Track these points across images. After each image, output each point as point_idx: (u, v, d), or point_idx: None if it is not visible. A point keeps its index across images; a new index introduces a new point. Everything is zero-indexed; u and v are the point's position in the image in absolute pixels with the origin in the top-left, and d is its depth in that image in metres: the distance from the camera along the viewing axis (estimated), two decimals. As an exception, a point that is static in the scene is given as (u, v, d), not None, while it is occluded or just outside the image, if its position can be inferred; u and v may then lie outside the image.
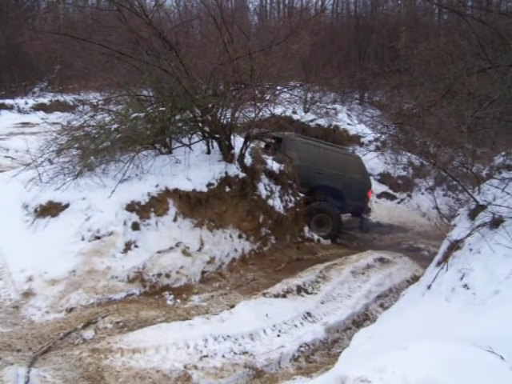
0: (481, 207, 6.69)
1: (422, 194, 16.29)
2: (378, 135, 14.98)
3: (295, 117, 17.43)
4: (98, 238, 7.92)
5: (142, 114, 9.30)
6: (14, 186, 9.18)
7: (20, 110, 20.55)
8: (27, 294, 7.15)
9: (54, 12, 29.54)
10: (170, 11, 13.12)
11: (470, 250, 6.02)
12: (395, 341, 4.73)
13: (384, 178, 16.97)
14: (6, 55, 22.47)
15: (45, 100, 21.56)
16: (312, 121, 18.22)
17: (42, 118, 13.61)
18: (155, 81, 9.49)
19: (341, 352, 5.84)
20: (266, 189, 10.27)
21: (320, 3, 31.45)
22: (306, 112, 18.26)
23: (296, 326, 7.26)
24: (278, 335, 6.90)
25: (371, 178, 15.93)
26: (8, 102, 20.69)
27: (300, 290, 8.41)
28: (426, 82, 9.14)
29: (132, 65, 9.50)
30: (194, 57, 9.88)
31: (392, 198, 16.48)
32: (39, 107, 20.60)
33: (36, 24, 25.99)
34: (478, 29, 8.09)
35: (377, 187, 16.13)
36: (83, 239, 7.90)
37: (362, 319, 7.93)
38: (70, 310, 7.01)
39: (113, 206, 8.26)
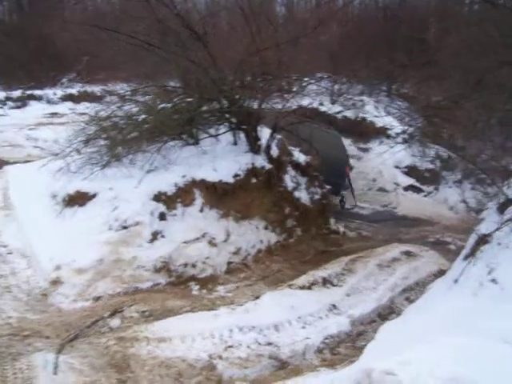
0: (510, 201, 6.59)
1: (450, 187, 16.07)
2: (406, 127, 14.84)
3: (322, 108, 17.34)
4: (125, 227, 7.99)
5: (169, 105, 9.34)
6: (43, 175, 9.34)
7: (49, 101, 20.70)
8: (55, 282, 7.25)
9: (82, 3, 29.81)
10: (198, 1, 13.10)
11: (499, 244, 5.93)
12: (421, 335, 4.70)
13: (411, 171, 16.76)
14: (35, 47, 22.64)
15: (73, 90, 21.70)
16: (339, 113, 18.09)
17: (70, 109, 13.79)
18: (182, 72, 9.50)
19: (366, 345, 5.80)
20: (292, 180, 10.23)
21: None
22: (332, 104, 18.15)
23: (321, 317, 7.26)
24: (303, 327, 6.91)
25: (398, 170, 15.84)
26: (37, 92, 20.86)
27: (325, 282, 8.39)
28: (455, 74, 9.01)
29: (159, 56, 9.50)
30: (221, 47, 9.85)
31: (419, 191, 16.28)
32: (67, 98, 20.73)
33: (65, 16, 26.15)
34: (511, 18, 7.94)
35: (403, 180, 15.96)
36: (110, 229, 7.98)
37: (387, 312, 7.87)
38: (97, 298, 7.10)
39: (140, 196, 8.33)
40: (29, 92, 20.57)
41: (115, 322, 6.50)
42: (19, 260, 7.81)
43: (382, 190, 15.59)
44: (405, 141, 16.09)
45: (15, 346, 5.73)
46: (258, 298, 7.47)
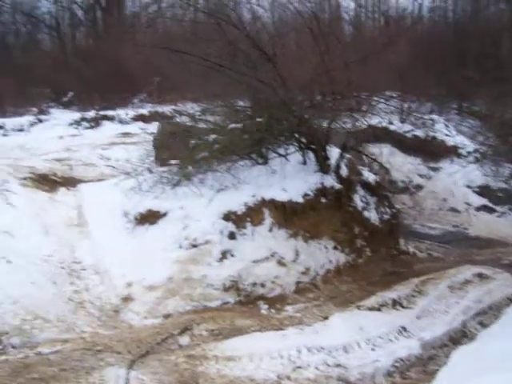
0: None
1: (525, 207, 15.62)
2: (478, 146, 14.55)
3: (391, 127, 17.16)
4: (195, 246, 8.08)
5: (239, 125, 9.43)
6: (116, 194, 9.57)
7: (121, 121, 21.23)
8: (127, 299, 7.40)
9: (153, 27, 30.57)
10: (267, 23, 13.24)
11: None
12: (497, 362, 4.53)
13: (483, 191, 16.35)
14: (109, 69, 23.35)
15: (144, 111, 22.17)
16: (408, 131, 17.86)
17: (141, 128, 14.07)
18: (252, 92, 9.59)
19: (437, 370, 5.63)
20: (361, 200, 10.13)
21: (416, 11, 30.92)
22: (402, 122, 17.93)
23: (391, 340, 7.08)
24: (373, 349, 6.76)
25: (469, 190, 15.49)
26: (110, 113, 21.44)
27: (395, 303, 8.21)
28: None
29: (229, 76, 9.62)
30: (290, 67, 9.90)
31: (492, 211, 15.86)
32: (139, 118, 21.19)
33: (137, 39, 26.90)
34: None
35: (475, 200, 15.60)
36: (180, 247, 8.10)
37: (459, 336, 7.60)
38: (167, 316, 7.18)
39: (210, 215, 8.42)
40: (102, 113, 21.17)
41: (185, 339, 6.53)
42: (92, 276, 8.01)
43: (453, 210, 15.27)
44: (477, 160, 15.75)
45: (88, 361, 5.84)
46: (326, 318, 7.37)
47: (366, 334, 6.99)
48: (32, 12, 33.42)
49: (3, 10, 32.48)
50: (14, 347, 6.06)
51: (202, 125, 10.16)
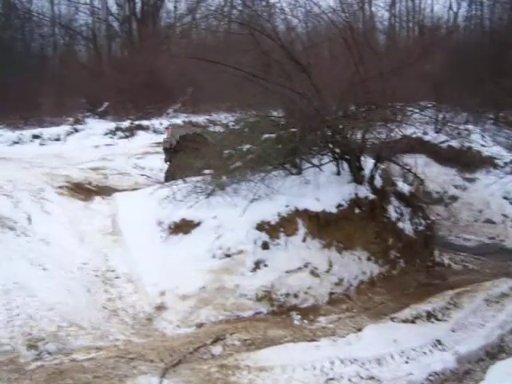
0: None
1: None
2: (516, 157, 14.31)
3: (426, 138, 16.98)
4: (228, 256, 8.09)
5: (272, 135, 9.44)
6: (150, 203, 9.66)
7: (155, 131, 21.49)
8: (160, 308, 7.44)
9: (187, 37, 30.90)
10: (300, 33, 13.27)
11: None
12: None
13: (522, 203, 16.11)
14: (144, 80, 23.66)
15: (178, 120, 22.37)
16: (443, 142, 17.66)
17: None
18: (286, 102, 9.60)
19: (473, 385, 5.56)
20: (395, 211, 10.04)
21: (452, 20, 30.68)
22: (437, 133, 17.73)
23: (425, 353, 6.97)
24: (406, 362, 6.67)
25: (506, 201, 15.20)
26: (144, 123, 21.72)
27: (429, 316, 8.10)
28: None
29: (263, 86, 9.64)
30: (324, 78, 9.89)
31: (530, 223, 15.61)
32: (173, 127, 21.42)
33: (171, 50, 27.22)
34: None
35: (512, 211, 15.36)
36: (214, 257, 8.12)
37: (496, 351, 7.44)
38: (200, 325, 7.20)
39: (243, 225, 8.42)
40: (137, 122, 21.48)
41: (217, 349, 6.53)
42: (126, 284, 8.07)
43: (488, 221, 15.02)
44: (514, 171, 15.49)
45: (121, 368, 5.88)
46: (360, 330, 7.31)
47: (400, 346, 6.91)
48: (70, 24, 34.20)
49: (42, 23, 33.25)
50: (49, 353, 6.13)
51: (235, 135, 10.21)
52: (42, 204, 10.11)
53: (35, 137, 19.86)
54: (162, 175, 13.38)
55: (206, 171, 9.92)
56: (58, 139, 20.14)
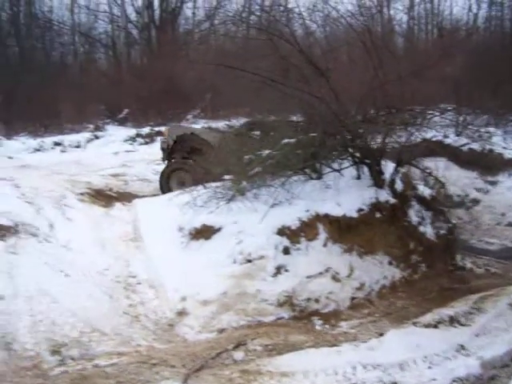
0: None
1: None
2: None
3: (447, 141, 16.85)
4: (249, 261, 8.10)
5: (292, 140, 9.44)
6: (171, 208, 9.70)
7: (175, 137, 21.58)
8: (181, 313, 7.46)
9: (206, 43, 31.06)
10: (319, 37, 13.27)
11: None
12: None
13: (544, 205, 15.92)
14: (163, 86, 23.81)
15: (198, 126, 22.48)
16: (464, 145, 17.51)
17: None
18: (305, 107, 9.60)
19: (499, 391, 5.49)
20: (416, 215, 9.97)
21: (471, 22, 30.45)
22: (457, 136, 17.59)
23: (448, 358, 6.87)
24: (429, 367, 6.58)
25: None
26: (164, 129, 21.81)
27: (452, 320, 7.99)
28: None
29: (282, 91, 9.65)
30: (342, 81, 9.87)
31: (553, 226, 15.42)
32: (193, 133, 21.50)
33: (190, 56, 27.37)
34: None
35: (534, 215, 15.18)
36: (235, 262, 8.13)
37: (521, 356, 7.39)
38: (221, 330, 7.20)
39: (264, 230, 8.43)
40: (156, 129, 21.55)
41: (239, 354, 6.52)
42: (147, 290, 8.10)
43: (511, 224, 14.87)
44: (537, 173, 15.33)
45: (144, 374, 5.90)
46: (382, 335, 7.24)
47: (423, 351, 6.83)
48: (89, 33, 34.60)
49: (63, 32, 33.71)
50: (72, 359, 6.18)
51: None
52: (64, 210, 10.20)
53: (56, 144, 20.06)
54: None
55: (226, 176, 9.96)
56: (78, 146, 20.33)
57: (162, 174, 12.82)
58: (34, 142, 19.67)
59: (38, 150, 19.26)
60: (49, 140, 20.08)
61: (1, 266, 7.64)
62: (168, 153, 13.42)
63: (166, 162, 13.47)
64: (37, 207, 9.87)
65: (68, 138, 20.64)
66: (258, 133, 12.60)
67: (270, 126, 10.63)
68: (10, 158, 17.32)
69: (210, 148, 12.88)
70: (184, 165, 12.82)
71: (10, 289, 7.22)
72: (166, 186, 12.68)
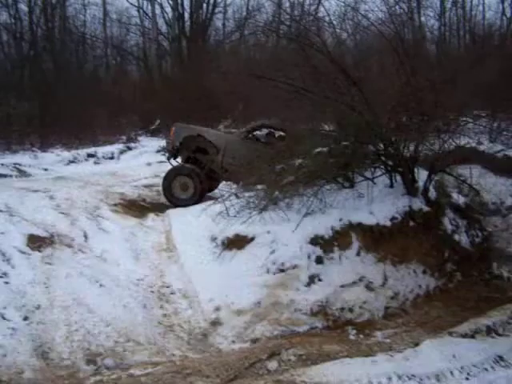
0: None
1: None
2: None
3: (481, 148, 16.65)
4: (283, 270, 8.11)
5: (324, 149, 9.43)
6: (203, 219, 9.75)
7: (207, 147, 21.69)
8: (215, 323, 7.48)
9: (236, 54, 31.23)
10: (349, 46, 13.30)
11: None
12: None
13: None
14: (194, 97, 23.97)
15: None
16: (499, 151, 17.27)
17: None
18: (337, 115, 9.58)
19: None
20: (451, 223, 9.85)
21: (505, 26, 30.08)
22: (492, 142, 17.37)
23: (486, 369, 6.74)
24: (467, 378, 6.47)
25: None
26: (197, 138, 21.95)
27: (490, 330, 7.86)
28: None
29: (313, 101, 9.65)
30: (374, 90, 9.83)
31: None
32: (224, 144, 21.60)
33: (221, 66, 27.53)
34: None
35: None
36: (268, 272, 8.14)
37: None
38: (255, 340, 7.18)
39: (297, 239, 8.43)
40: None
41: (273, 364, 6.50)
42: (181, 300, 8.14)
43: (549, 233, 14.60)
44: None
45: (178, 384, 5.94)
46: (417, 345, 7.13)
47: (460, 362, 6.71)
48: (121, 45, 35.11)
49: (96, 46, 34.35)
50: (107, 368, 6.24)
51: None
52: (98, 221, 10.33)
53: (90, 156, 20.34)
54: (215, 191, 13.47)
55: (259, 186, 9.98)
56: (111, 157, 20.58)
57: (165, 178, 12.84)
58: (68, 154, 19.97)
59: (73, 162, 19.54)
60: (83, 152, 20.38)
61: (37, 277, 7.78)
62: (173, 154, 13.50)
63: (172, 161, 13.59)
64: (71, 218, 10.01)
65: (101, 150, 20.91)
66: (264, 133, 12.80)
67: (301, 135, 10.61)
68: (46, 169, 17.63)
69: (216, 150, 13.00)
70: (187, 170, 12.82)
71: (46, 299, 7.34)
72: (168, 190, 12.68)
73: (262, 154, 10.64)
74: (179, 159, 13.65)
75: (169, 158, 13.68)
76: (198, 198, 12.64)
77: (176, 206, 12.44)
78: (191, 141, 13.17)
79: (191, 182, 12.64)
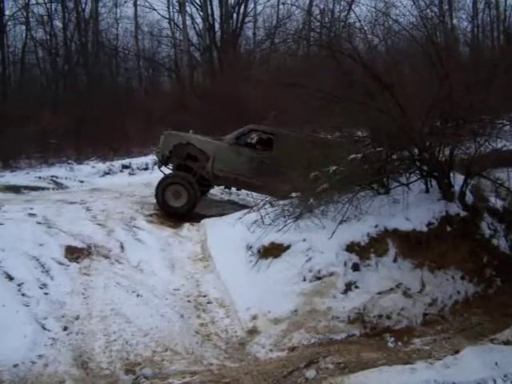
0: None
1: None
2: None
3: (518, 151, 16.39)
4: (319, 278, 8.09)
5: (359, 155, 9.38)
6: (239, 227, 9.78)
7: (240, 156, 21.73)
8: (252, 332, 7.50)
9: (267, 62, 31.31)
10: (381, 51, 13.19)
11: None
12: None
13: None
14: (225, 106, 24.04)
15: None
16: (535, 153, 16.97)
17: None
18: (371, 121, 9.53)
19: None
20: (489, 227, 9.70)
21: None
22: (528, 143, 17.08)
23: (530, 378, 6.67)
24: (510, 386, 6.40)
25: None
26: (229, 147, 22.02)
27: (533, 337, 7.75)
28: None
29: (346, 107, 9.61)
30: (407, 94, 9.75)
31: None
32: (258, 152, 21.60)
33: (252, 75, 27.63)
34: None
35: None
36: (304, 280, 8.13)
37: None
38: (293, 348, 7.17)
39: (333, 246, 8.41)
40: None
41: (311, 372, 6.47)
42: (218, 309, 8.20)
43: None
44: None
45: (216, 393, 5.96)
46: (457, 352, 7.04)
47: (503, 369, 6.59)
48: (153, 57, 35.57)
49: (128, 58, 34.87)
50: (146, 378, 6.29)
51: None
52: (134, 232, 10.44)
53: (124, 167, 20.50)
54: (249, 200, 13.48)
55: (293, 194, 9.97)
56: (146, 168, 20.71)
57: (158, 185, 12.86)
58: (103, 166, 20.18)
59: (108, 174, 19.74)
60: (117, 163, 20.58)
61: (76, 287, 7.90)
62: (164, 162, 13.59)
63: (164, 169, 13.65)
64: (108, 229, 10.15)
65: (135, 161, 21.09)
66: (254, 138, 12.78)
67: (335, 142, 10.60)
68: (81, 181, 17.84)
69: (206, 157, 13.05)
70: (180, 179, 12.85)
71: (84, 309, 7.46)
72: (161, 197, 12.68)
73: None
74: (170, 167, 13.71)
75: (159, 167, 13.76)
76: (192, 205, 12.79)
77: (169, 214, 12.53)
78: (181, 149, 13.24)
79: (184, 190, 12.69)
